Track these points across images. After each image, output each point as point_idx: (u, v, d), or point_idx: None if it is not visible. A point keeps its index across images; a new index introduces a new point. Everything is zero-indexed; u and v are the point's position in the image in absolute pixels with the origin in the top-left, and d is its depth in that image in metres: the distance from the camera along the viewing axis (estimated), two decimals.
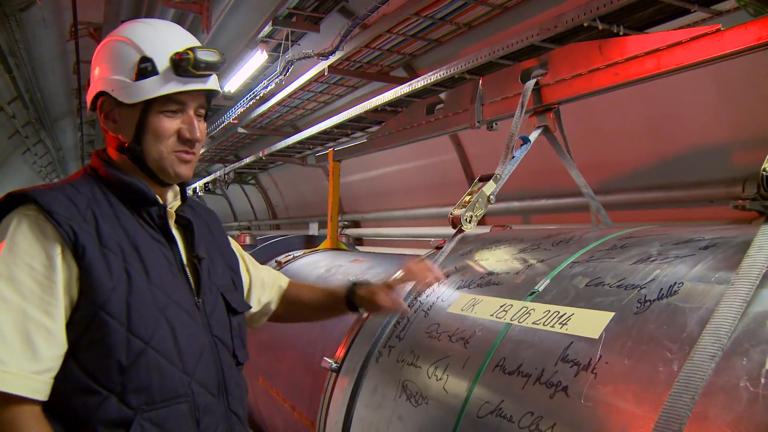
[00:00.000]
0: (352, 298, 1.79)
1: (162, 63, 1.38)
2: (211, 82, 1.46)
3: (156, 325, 1.32)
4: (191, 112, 1.43)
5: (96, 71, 1.45)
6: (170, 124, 1.41)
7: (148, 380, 1.30)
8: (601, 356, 1.16)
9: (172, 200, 1.54)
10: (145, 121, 1.40)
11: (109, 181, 1.43)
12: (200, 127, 1.46)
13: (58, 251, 1.27)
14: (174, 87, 1.39)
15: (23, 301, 1.23)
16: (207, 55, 1.41)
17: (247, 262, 1.80)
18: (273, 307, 1.86)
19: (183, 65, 1.38)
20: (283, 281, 1.91)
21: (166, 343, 1.33)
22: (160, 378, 1.31)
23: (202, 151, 10.28)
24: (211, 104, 1.53)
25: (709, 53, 1.62)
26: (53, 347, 1.24)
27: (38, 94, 9.67)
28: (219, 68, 1.44)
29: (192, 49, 1.40)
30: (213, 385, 1.43)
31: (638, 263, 1.35)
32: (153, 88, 1.37)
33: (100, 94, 1.43)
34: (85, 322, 1.27)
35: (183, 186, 1.56)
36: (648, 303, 1.19)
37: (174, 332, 1.35)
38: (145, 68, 1.38)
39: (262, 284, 1.82)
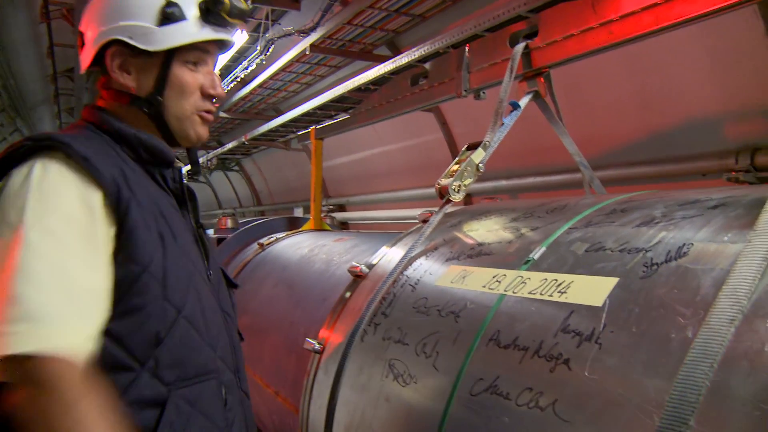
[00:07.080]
0: None
1: (189, 8, 1.27)
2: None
3: (187, 292, 1.18)
4: (211, 66, 1.32)
5: (97, 22, 1.27)
6: (194, 77, 1.29)
7: (181, 353, 1.15)
8: (605, 325, 1.05)
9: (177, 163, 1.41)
10: (167, 72, 1.26)
11: (122, 137, 1.25)
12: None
13: (99, 203, 1.08)
14: (207, 34, 1.28)
15: (64, 255, 1.01)
16: (241, 3, 1.31)
17: None
18: None
19: (217, 11, 1.27)
20: None
21: (196, 314, 1.19)
22: (191, 351, 1.17)
23: None
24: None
25: (712, 4, 1.51)
26: (101, 309, 1.05)
27: (12, 81, 9.38)
28: (247, 20, 1.35)
29: None
30: (230, 362, 1.31)
31: (641, 226, 1.25)
32: (182, 35, 1.25)
33: (111, 43, 1.25)
34: (124, 287, 1.08)
35: (190, 150, 1.45)
36: (655, 266, 1.09)
37: (201, 302, 1.22)
38: (171, 13, 1.25)
39: None
